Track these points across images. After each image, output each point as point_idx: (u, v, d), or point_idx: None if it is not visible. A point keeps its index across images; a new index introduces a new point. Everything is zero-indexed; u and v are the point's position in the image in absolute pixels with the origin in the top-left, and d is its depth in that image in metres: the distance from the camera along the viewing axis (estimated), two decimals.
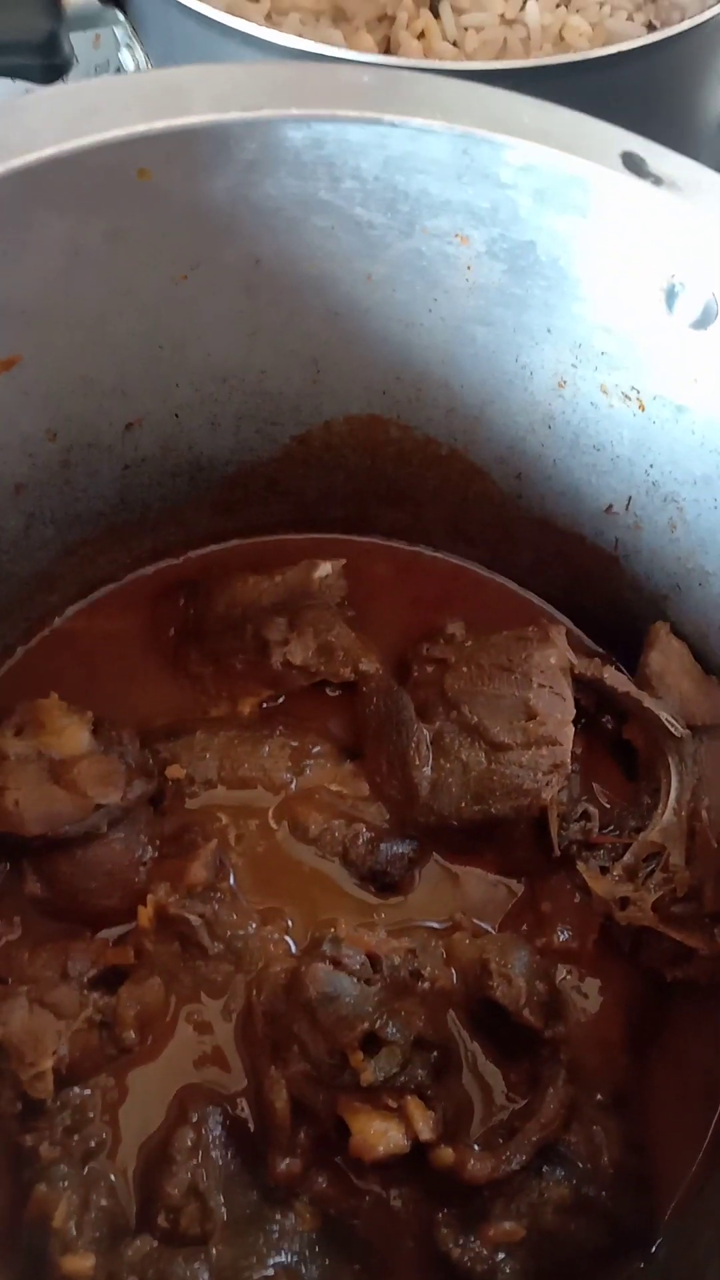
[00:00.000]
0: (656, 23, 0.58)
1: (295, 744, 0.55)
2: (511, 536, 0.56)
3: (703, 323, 0.38)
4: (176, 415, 0.47)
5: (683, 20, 0.56)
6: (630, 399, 0.43)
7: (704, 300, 0.36)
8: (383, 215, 0.37)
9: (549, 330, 0.41)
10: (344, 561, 0.58)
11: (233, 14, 0.53)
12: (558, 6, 0.59)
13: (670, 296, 0.37)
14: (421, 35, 0.55)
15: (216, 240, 0.38)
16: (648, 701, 0.50)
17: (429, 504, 0.58)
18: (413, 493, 0.57)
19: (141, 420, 0.46)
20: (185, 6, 0.47)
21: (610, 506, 0.48)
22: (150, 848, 0.50)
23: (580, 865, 0.49)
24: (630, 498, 0.47)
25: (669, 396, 0.42)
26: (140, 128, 0.32)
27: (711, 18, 0.49)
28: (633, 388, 0.42)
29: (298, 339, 0.43)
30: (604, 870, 0.50)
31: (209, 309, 0.41)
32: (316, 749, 0.55)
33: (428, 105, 0.33)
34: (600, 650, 0.59)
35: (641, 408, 0.43)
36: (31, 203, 0.34)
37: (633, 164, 0.34)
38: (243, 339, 0.43)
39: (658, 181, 0.34)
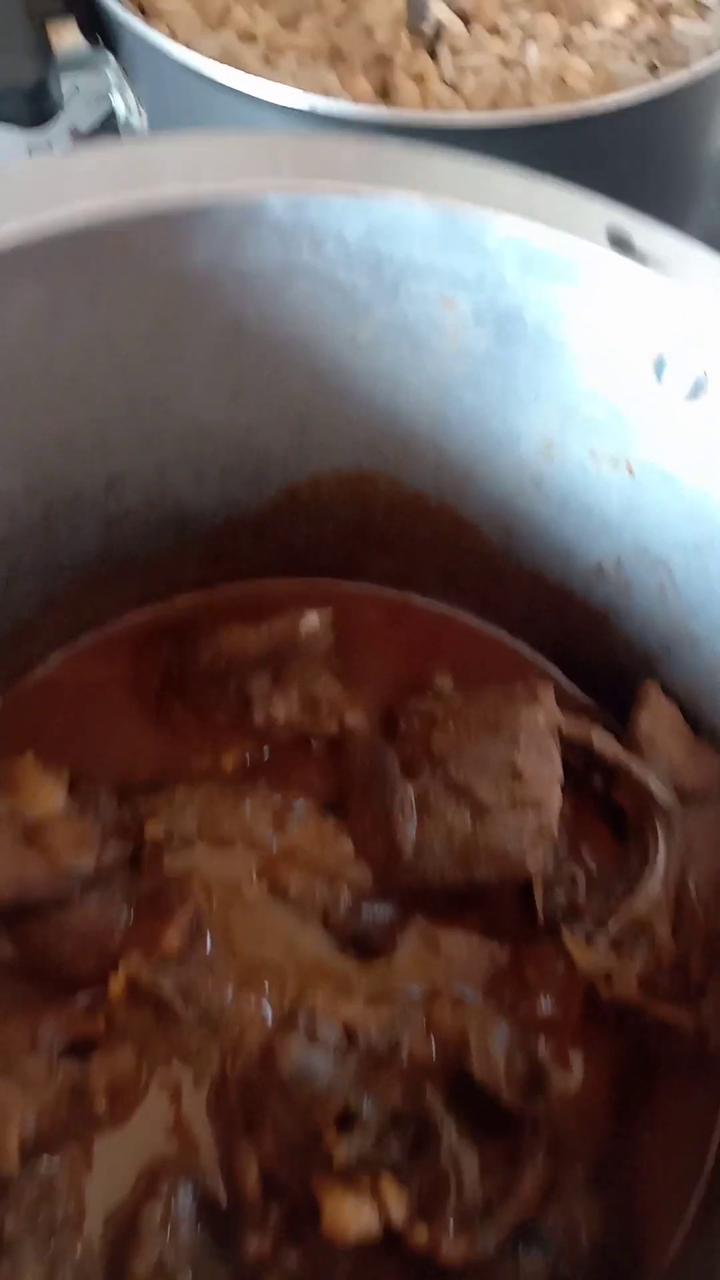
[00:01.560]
0: (659, 63, 0.57)
1: (278, 799, 0.53)
2: (503, 587, 0.55)
3: (693, 395, 0.37)
4: (160, 471, 0.46)
5: (686, 61, 0.55)
6: (619, 464, 0.42)
7: (694, 376, 0.35)
8: (367, 279, 0.36)
9: (536, 395, 0.40)
10: (331, 611, 0.57)
11: (227, 57, 0.52)
12: (557, 47, 0.58)
13: (659, 368, 0.36)
14: (419, 78, 0.54)
15: (197, 303, 0.37)
16: (635, 768, 0.49)
17: (420, 552, 0.57)
18: (403, 541, 0.56)
19: (124, 476, 0.45)
20: (176, 60, 0.46)
21: (600, 566, 0.47)
22: (126, 909, 0.49)
23: (565, 935, 0.48)
24: (620, 559, 0.46)
25: (658, 464, 0.41)
26: (115, 201, 0.31)
27: (715, 70, 0.48)
28: (621, 453, 0.41)
29: (282, 398, 0.42)
30: (590, 935, 0.49)
31: (190, 368, 0.40)
32: (299, 805, 0.54)
33: (408, 179, 0.33)
34: (591, 702, 0.58)
35: (630, 473, 0.42)
36: (8, 273, 0.33)
37: (618, 241, 0.33)
38: (225, 397, 0.42)
39: (643, 259, 0.33)
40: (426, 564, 0.58)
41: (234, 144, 0.32)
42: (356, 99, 0.51)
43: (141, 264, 0.35)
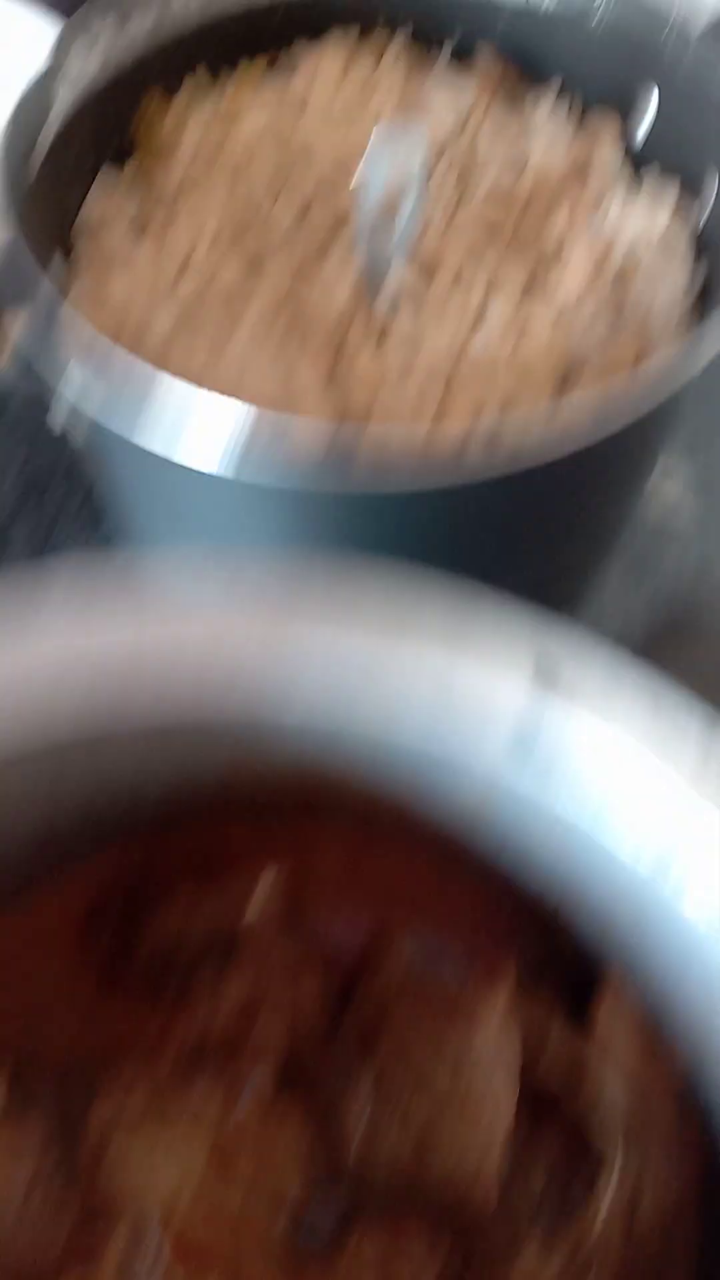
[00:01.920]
0: (617, 325, 0.55)
1: (227, 1080, 0.53)
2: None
3: None
4: (97, 795, 0.45)
5: (647, 333, 0.54)
6: (550, 822, 0.41)
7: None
8: (287, 708, 0.36)
9: (470, 774, 0.40)
10: (288, 865, 0.57)
11: (177, 336, 0.52)
12: (521, 297, 0.56)
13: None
14: (368, 376, 0.53)
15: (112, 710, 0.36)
16: (584, 1098, 0.48)
17: (375, 813, 0.56)
18: (358, 805, 0.55)
19: (57, 813, 0.45)
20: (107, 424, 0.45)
21: (543, 896, 0.47)
22: (65, 1214, 0.48)
23: (515, 1268, 0.47)
24: (560, 899, 0.45)
25: (590, 824, 0.40)
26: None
27: (675, 391, 0.46)
28: (552, 805, 0.40)
29: (209, 755, 0.42)
30: (542, 1252, 0.48)
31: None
32: (250, 1086, 0.53)
33: (326, 618, 0.32)
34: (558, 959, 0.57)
35: (560, 830, 0.41)
36: None
37: (543, 674, 0.33)
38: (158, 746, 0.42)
39: (569, 694, 0.33)
40: (384, 817, 0.57)
41: (133, 614, 0.31)
42: (306, 411, 0.50)
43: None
